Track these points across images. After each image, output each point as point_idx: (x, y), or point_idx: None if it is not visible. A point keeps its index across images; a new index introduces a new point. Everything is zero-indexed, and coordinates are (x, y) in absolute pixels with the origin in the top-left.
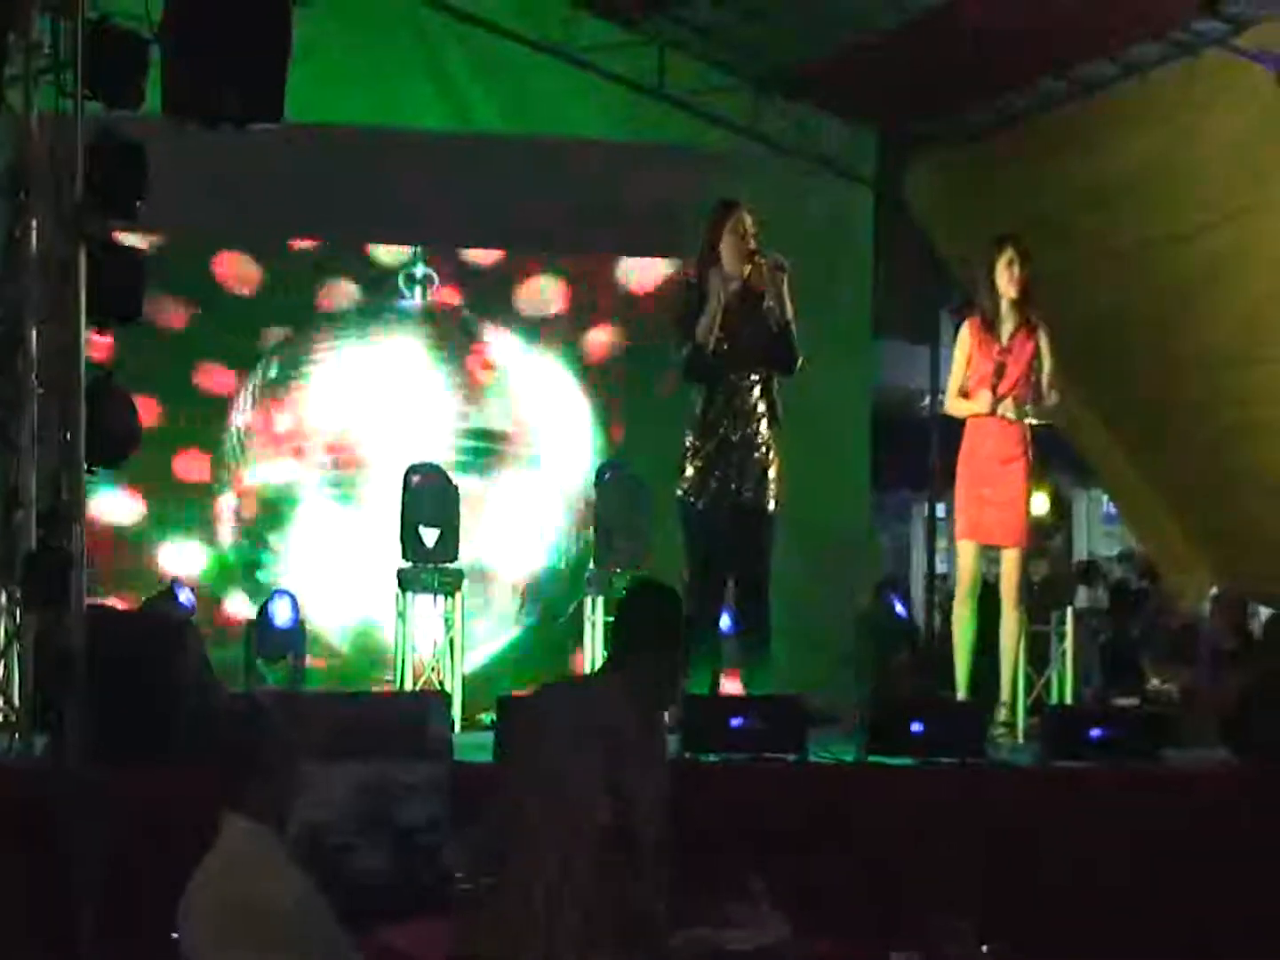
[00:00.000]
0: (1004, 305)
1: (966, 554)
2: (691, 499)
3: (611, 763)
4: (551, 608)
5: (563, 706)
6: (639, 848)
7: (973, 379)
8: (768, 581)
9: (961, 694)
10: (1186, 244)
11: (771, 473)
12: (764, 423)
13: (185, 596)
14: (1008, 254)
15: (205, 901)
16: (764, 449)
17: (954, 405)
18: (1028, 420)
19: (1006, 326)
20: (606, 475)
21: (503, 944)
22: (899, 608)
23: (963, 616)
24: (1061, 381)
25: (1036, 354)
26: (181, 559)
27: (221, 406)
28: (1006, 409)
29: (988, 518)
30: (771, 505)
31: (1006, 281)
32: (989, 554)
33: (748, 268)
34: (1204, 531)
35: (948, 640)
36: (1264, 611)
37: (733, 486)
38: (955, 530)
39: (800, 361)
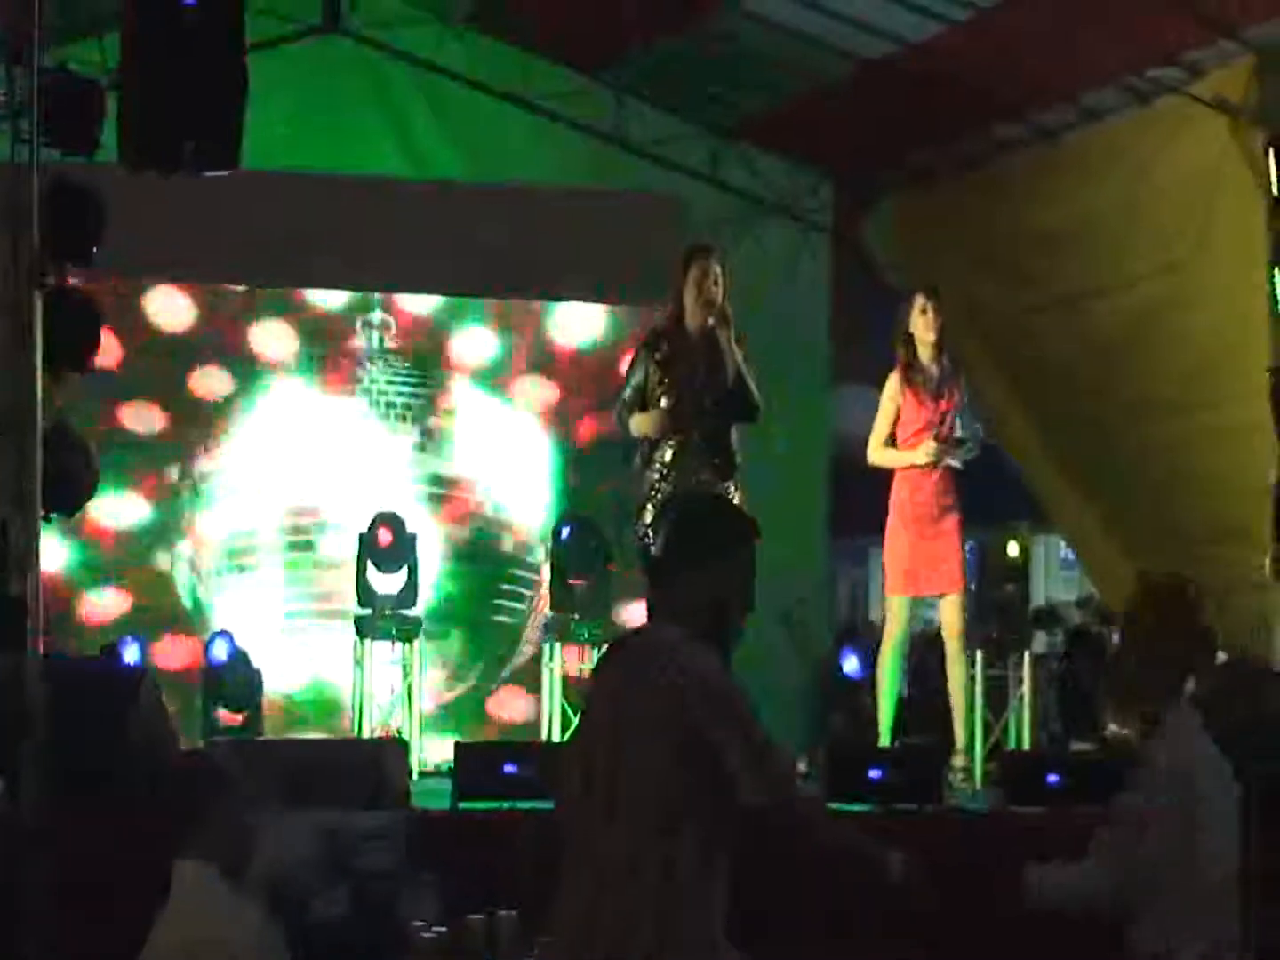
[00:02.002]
0: (926, 351)
1: (900, 609)
2: (650, 542)
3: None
4: (511, 653)
5: (622, 673)
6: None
7: (906, 429)
8: None
9: (884, 741)
10: (1135, 289)
11: None
12: (719, 473)
13: (131, 653)
14: (918, 302)
15: (163, 947)
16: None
17: (881, 455)
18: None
19: (934, 373)
20: (564, 530)
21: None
22: (850, 664)
23: (890, 667)
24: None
25: (961, 400)
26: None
27: (175, 451)
28: (952, 457)
29: (928, 569)
30: None
31: (923, 329)
32: (915, 602)
33: (709, 319)
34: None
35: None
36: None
37: None
38: (888, 584)
39: (760, 409)
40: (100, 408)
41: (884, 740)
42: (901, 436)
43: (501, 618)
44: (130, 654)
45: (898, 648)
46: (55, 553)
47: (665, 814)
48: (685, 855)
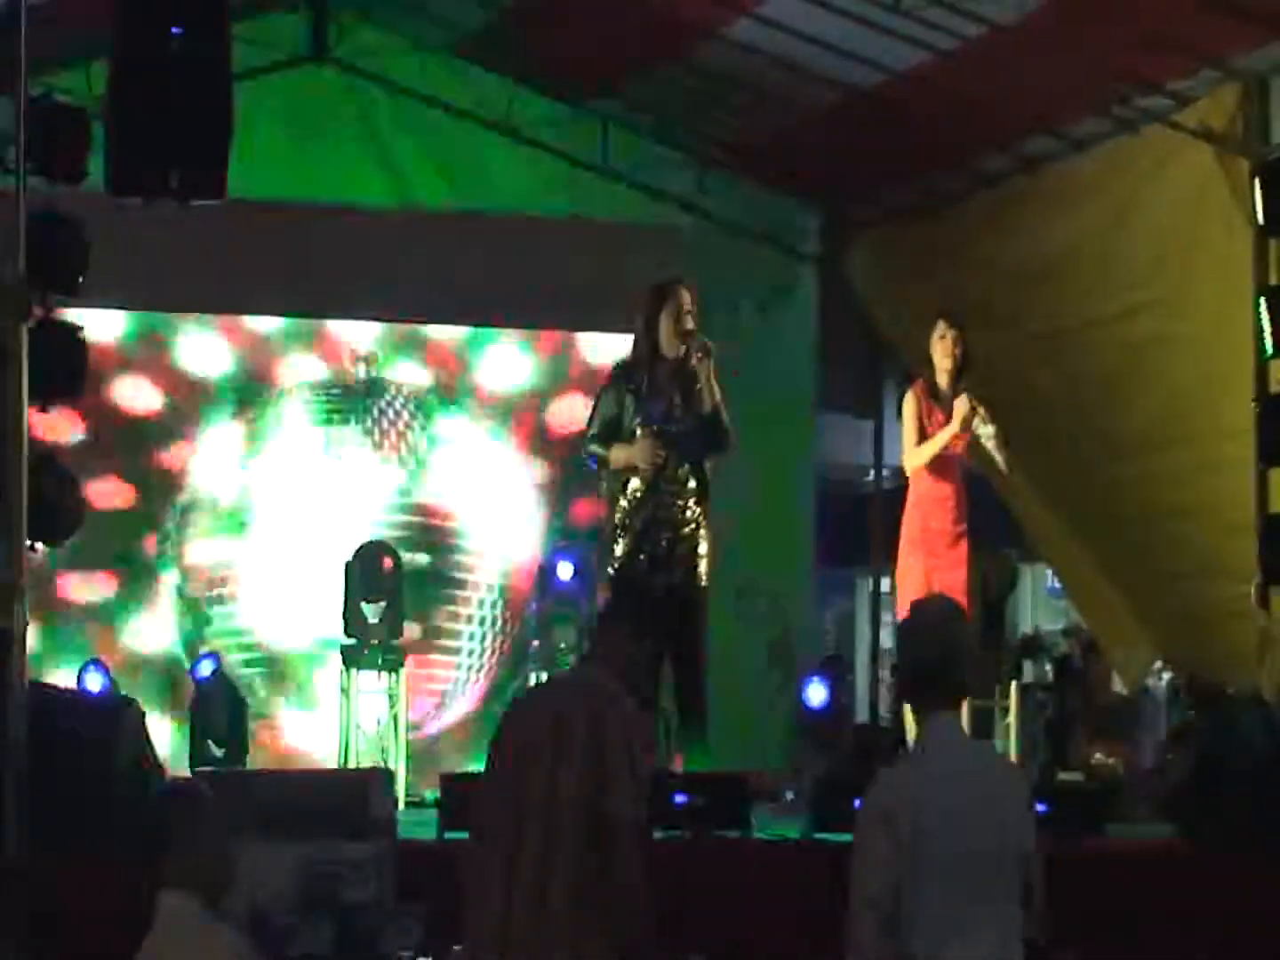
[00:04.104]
0: (944, 379)
1: None
2: (622, 572)
3: (596, 745)
4: (496, 682)
5: (547, 699)
6: (624, 825)
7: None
8: (703, 661)
9: None
10: (1117, 324)
11: (702, 549)
12: (693, 500)
13: (95, 680)
14: (939, 329)
15: None
16: (693, 526)
17: (918, 453)
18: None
19: (948, 397)
20: (556, 561)
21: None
22: (817, 694)
23: None
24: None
25: (975, 439)
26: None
27: (170, 483)
28: (955, 492)
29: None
30: (703, 582)
31: (941, 356)
32: None
33: (683, 348)
34: (1142, 607)
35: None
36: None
37: (662, 565)
38: (900, 612)
39: (732, 441)
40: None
41: None
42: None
43: (485, 646)
44: (93, 681)
45: None
46: None
47: (581, 833)
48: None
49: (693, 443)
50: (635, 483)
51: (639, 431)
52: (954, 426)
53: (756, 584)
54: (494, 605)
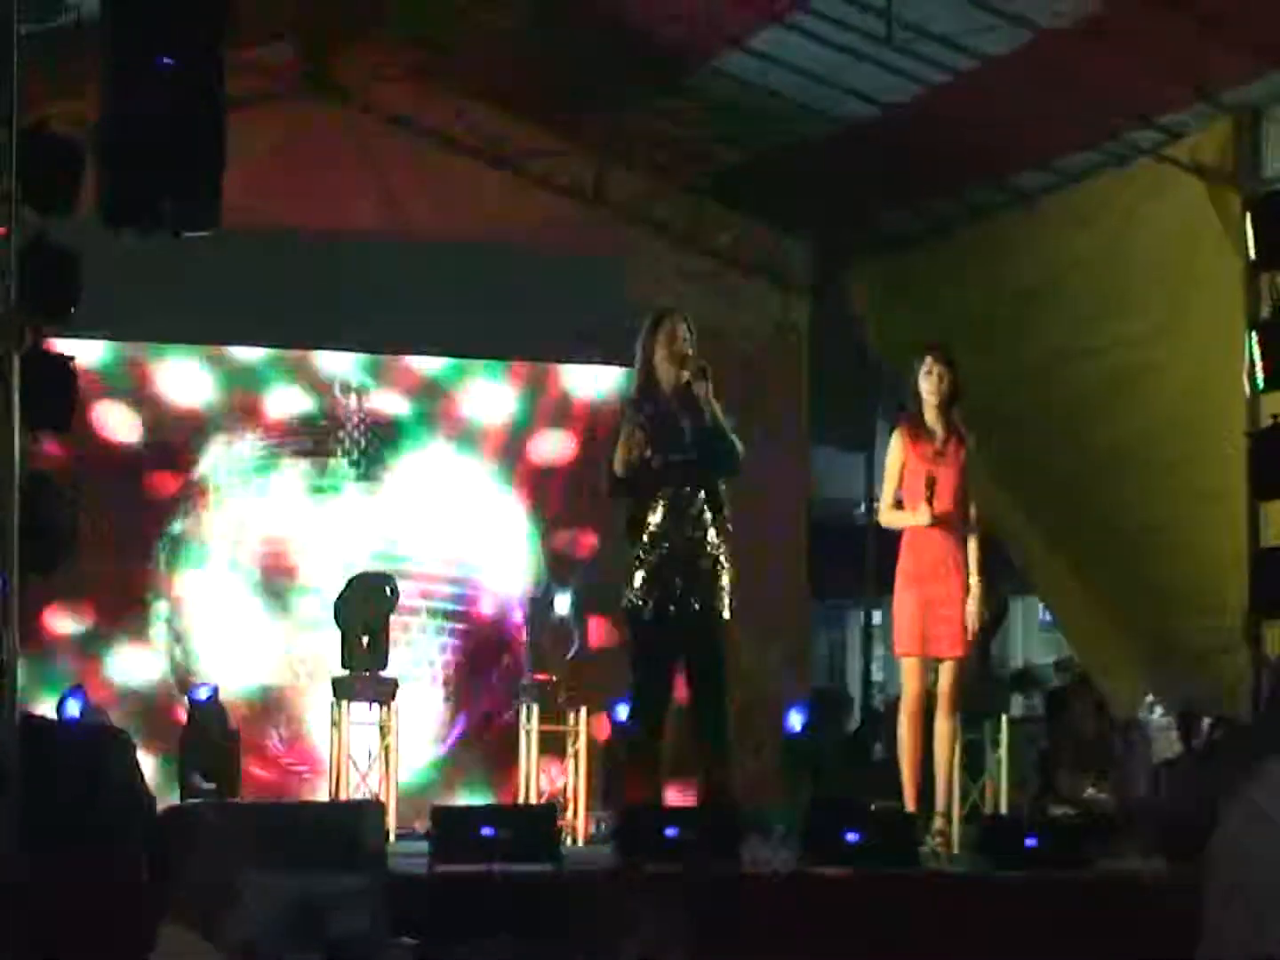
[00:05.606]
0: (931, 413)
1: (911, 671)
2: (639, 608)
3: None
4: (486, 715)
5: None
6: None
7: (908, 486)
8: (726, 691)
9: (910, 808)
10: (1108, 355)
11: (724, 580)
12: (711, 531)
13: (74, 709)
14: (926, 363)
15: None
16: (713, 556)
17: (888, 517)
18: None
19: (938, 432)
20: (550, 596)
21: None
22: (794, 721)
23: (909, 733)
24: (989, 491)
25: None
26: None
27: (157, 513)
28: (947, 524)
29: (932, 630)
30: (725, 614)
31: (928, 390)
32: (925, 663)
33: (684, 374)
34: (1133, 641)
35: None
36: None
37: (679, 596)
38: (896, 647)
39: (740, 459)
40: None
41: (911, 808)
42: (906, 497)
43: (475, 679)
44: (72, 707)
45: (915, 713)
46: None
47: None
48: None
49: (707, 466)
50: (654, 515)
51: (653, 463)
52: (916, 520)
53: (750, 616)
54: (483, 638)
